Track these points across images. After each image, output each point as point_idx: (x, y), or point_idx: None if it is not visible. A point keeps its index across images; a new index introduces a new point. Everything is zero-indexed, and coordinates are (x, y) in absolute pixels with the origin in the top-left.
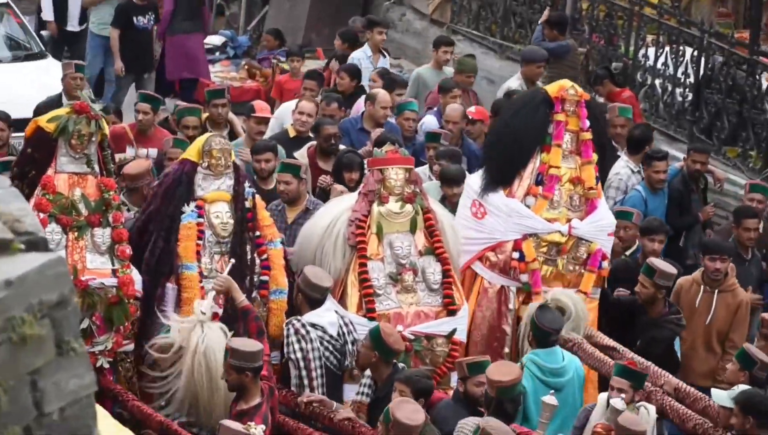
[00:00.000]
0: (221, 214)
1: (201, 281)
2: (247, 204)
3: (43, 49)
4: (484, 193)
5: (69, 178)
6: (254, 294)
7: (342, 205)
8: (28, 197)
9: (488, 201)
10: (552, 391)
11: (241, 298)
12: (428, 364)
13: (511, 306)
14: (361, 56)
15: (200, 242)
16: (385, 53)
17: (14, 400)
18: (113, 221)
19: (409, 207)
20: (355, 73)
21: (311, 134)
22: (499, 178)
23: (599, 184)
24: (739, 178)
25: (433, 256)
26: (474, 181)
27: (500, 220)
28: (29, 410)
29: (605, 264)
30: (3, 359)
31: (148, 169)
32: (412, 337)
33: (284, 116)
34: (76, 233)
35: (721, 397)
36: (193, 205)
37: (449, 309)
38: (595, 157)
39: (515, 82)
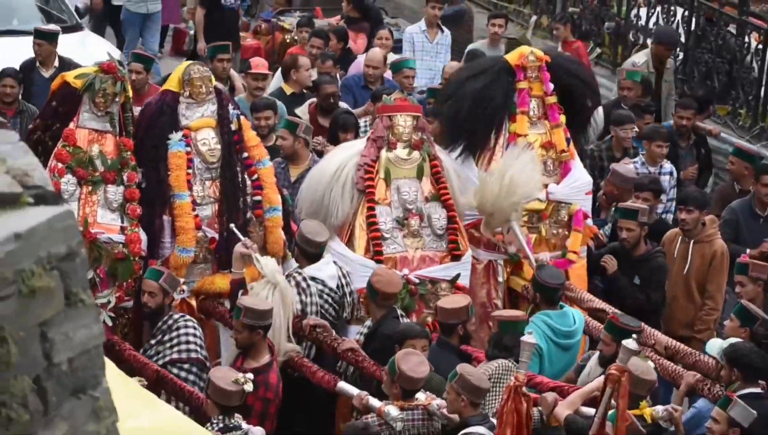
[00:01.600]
0: (208, 140)
1: (194, 209)
2: (233, 126)
3: (79, 21)
4: (458, 160)
5: (89, 134)
6: (249, 214)
7: (350, 150)
8: (51, 149)
9: (464, 175)
10: (530, 331)
11: (239, 271)
12: (431, 308)
13: (500, 279)
14: (415, 30)
15: (190, 171)
16: (443, 27)
17: (24, 351)
18: (127, 180)
19: (416, 153)
20: (342, 35)
21: (306, 91)
22: (467, 149)
23: (570, 146)
24: (729, 136)
25: (439, 202)
26: (454, 155)
27: None
28: (39, 361)
29: (589, 222)
30: (13, 311)
31: None
32: (417, 281)
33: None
34: (90, 187)
35: (714, 347)
36: (179, 134)
37: (454, 254)
38: (563, 119)
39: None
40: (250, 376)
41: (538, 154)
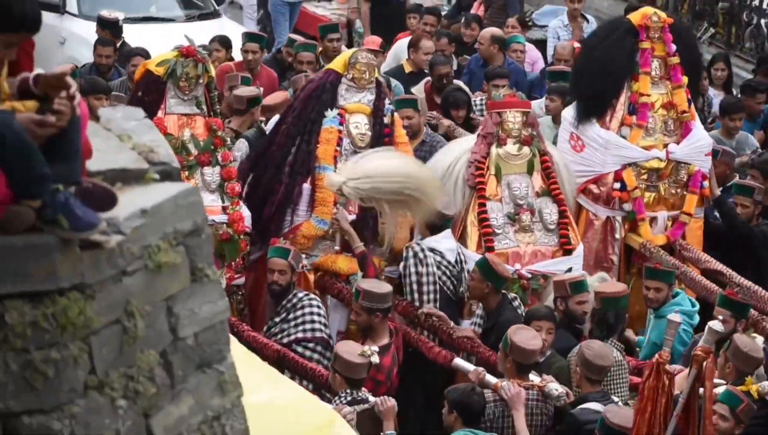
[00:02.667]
0: (360, 124)
1: None
2: (386, 120)
3: (217, 8)
4: (579, 126)
5: (178, 119)
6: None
7: (461, 147)
8: (145, 105)
9: (585, 134)
10: (677, 308)
11: (357, 243)
12: (542, 302)
13: (617, 235)
14: (558, 25)
15: (338, 148)
16: (588, 18)
17: (151, 326)
18: (222, 160)
19: (526, 149)
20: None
21: (426, 69)
22: (592, 111)
23: (692, 107)
24: None
25: (550, 197)
26: (569, 113)
27: (598, 153)
28: (165, 335)
29: (706, 184)
30: (140, 285)
31: (287, 100)
32: (530, 276)
33: (400, 52)
34: (186, 172)
35: None
36: (335, 111)
37: (565, 249)
38: (685, 80)
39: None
40: (375, 348)
41: (660, 114)
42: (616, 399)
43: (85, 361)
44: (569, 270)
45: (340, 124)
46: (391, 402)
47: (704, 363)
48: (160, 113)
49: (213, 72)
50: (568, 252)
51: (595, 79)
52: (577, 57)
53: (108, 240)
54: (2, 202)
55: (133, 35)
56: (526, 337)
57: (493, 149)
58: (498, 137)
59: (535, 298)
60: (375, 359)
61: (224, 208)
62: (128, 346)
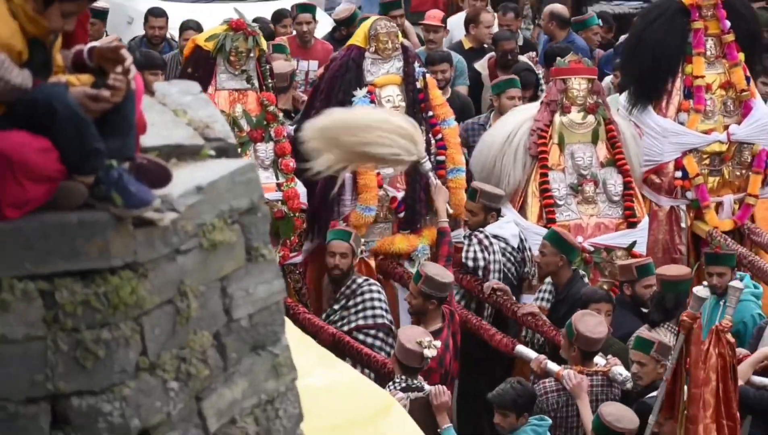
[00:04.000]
0: (393, 97)
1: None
2: (418, 84)
3: None
4: (634, 113)
5: (230, 94)
6: (431, 173)
7: (523, 115)
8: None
9: (642, 122)
10: (739, 275)
11: (443, 217)
12: (607, 277)
13: (683, 225)
14: None
15: None
16: None
17: (204, 306)
18: (275, 135)
19: (591, 117)
20: None
21: (487, 45)
22: (644, 96)
23: (751, 85)
24: None
25: (615, 167)
26: (623, 98)
27: (657, 142)
28: (219, 316)
29: None
30: (193, 265)
31: (290, 72)
32: (592, 249)
33: (457, 27)
34: (239, 149)
35: None
36: (364, 90)
37: (630, 221)
38: (741, 57)
39: None
40: (438, 343)
41: (718, 95)
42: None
43: (136, 342)
44: (634, 244)
45: (371, 102)
46: (445, 397)
47: (691, 328)
48: (210, 89)
49: (264, 45)
50: (632, 224)
51: (646, 64)
52: (626, 40)
53: (162, 218)
54: (55, 177)
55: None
56: (592, 325)
57: (557, 117)
58: (562, 105)
59: (598, 272)
60: (429, 353)
61: (279, 186)
62: (181, 327)
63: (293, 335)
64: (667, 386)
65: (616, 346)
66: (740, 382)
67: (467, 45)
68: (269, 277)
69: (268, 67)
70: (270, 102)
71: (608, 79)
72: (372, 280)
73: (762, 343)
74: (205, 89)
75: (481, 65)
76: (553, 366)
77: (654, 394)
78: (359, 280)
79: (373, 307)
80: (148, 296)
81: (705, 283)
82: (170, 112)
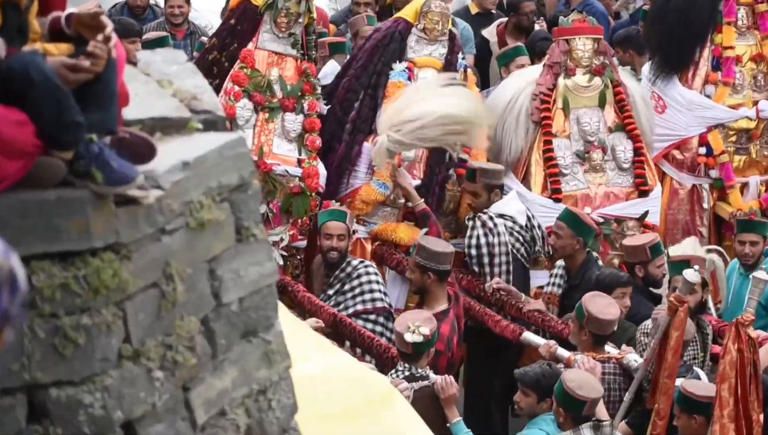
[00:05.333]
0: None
1: None
2: (458, 76)
3: None
4: (658, 84)
5: (269, 56)
6: (451, 171)
7: (525, 78)
8: (226, 70)
9: (666, 94)
10: (764, 266)
11: (417, 201)
12: (618, 250)
13: (705, 205)
14: None
15: None
16: None
17: (192, 289)
18: (308, 109)
19: (597, 80)
20: None
21: (495, 11)
22: (670, 66)
23: None
24: None
25: (624, 132)
26: (648, 70)
27: (681, 115)
28: (207, 300)
29: None
30: (180, 245)
31: None
32: (601, 220)
33: None
34: (267, 114)
35: None
36: (403, 65)
37: (641, 190)
38: None
39: None
40: (425, 330)
41: (748, 68)
42: (700, 372)
43: (119, 328)
44: (646, 214)
45: (409, 78)
46: (453, 389)
47: (677, 311)
48: (250, 45)
49: (315, 13)
50: (644, 193)
51: (673, 31)
52: (652, 6)
53: (146, 195)
54: (31, 152)
55: None
56: (603, 306)
57: (561, 80)
58: (566, 67)
59: (608, 244)
60: (410, 337)
61: (299, 161)
62: (166, 312)
63: (287, 319)
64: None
65: (631, 330)
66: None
67: (474, 10)
68: (261, 259)
69: (314, 37)
70: (311, 73)
71: None
72: (368, 262)
73: None
74: (245, 44)
75: (490, 32)
76: (563, 352)
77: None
78: (354, 262)
79: (372, 291)
80: (131, 279)
81: (696, 266)
82: (154, 82)
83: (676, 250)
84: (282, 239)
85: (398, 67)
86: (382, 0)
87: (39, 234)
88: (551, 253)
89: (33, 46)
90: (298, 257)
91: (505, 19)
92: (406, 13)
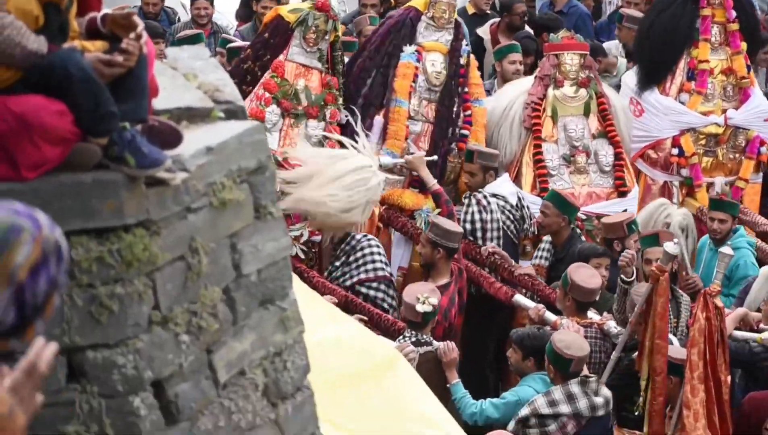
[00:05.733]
0: (436, 63)
1: (408, 119)
2: (462, 60)
3: None
4: (639, 92)
5: (296, 68)
6: (453, 145)
7: (518, 89)
8: (259, 78)
9: (644, 99)
10: (729, 243)
11: (431, 181)
12: (598, 243)
13: (675, 200)
14: None
15: (413, 84)
16: None
17: (215, 262)
18: (330, 117)
19: (583, 91)
20: None
21: (489, 11)
22: (653, 77)
23: (751, 73)
24: None
25: (606, 139)
26: (630, 78)
27: (657, 119)
28: (229, 271)
29: (764, 149)
30: (204, 223)
31: None
32: (584, 217)
33: None
34: (293, 120)
35: None
36: (413, 48)
37: (620, 190)
38: (744, 46)
39: None
40: (435, 300)
41: (719, 80)
42: (672, 338)
43: (149, 297)
44: (624, 211)
45: (417, 60)
46: (455, 353)
47: (659, 280)
48: (281, 57)
49: (341, 32)
50: (623, 194)
51: (657, 47)
52: (640, 25)
53: (173, 177)
54: (70, 139)
55: None
56: (586, 276)
57: (550, 91)
58: (555, 79)
59: (590, 239)
60: (420, 307)
61: None
62: (192, 283)
63: (301, 291)
64: (640, 338)
65: (611, 301)
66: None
67: (470, 11)
68: (277, 234)
69: (339, 53)
70: (334, 85)
71: (614, 43)
72: (371, 236)
73: (748, 298)
74: (277, 56)
75: (484, 31)
76: (550, 315)
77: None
78: (358, 237)
79: (374, 261)
80: (160, 253)
81: (675, 239)
82: (181, 76)
83: (642, 214)
84: (302, 235)
85: (408, 50)
86: (387, 3)
87: (77, 212)
88: (537, 231)
89: (72, 44)
90: (314, 251)
91: (498, 19)
92: (417, 2)
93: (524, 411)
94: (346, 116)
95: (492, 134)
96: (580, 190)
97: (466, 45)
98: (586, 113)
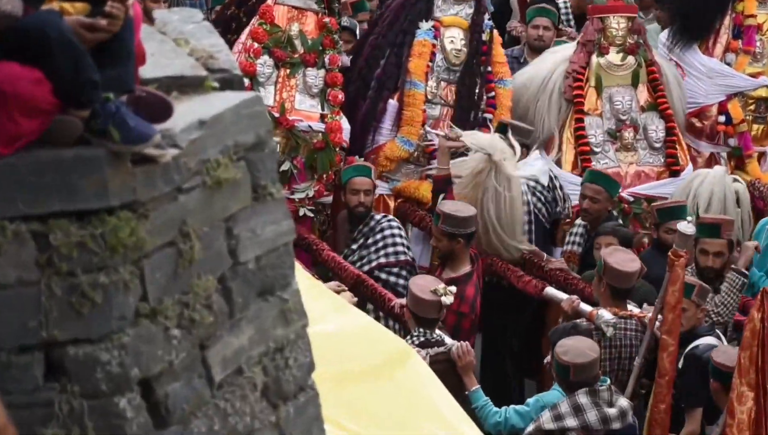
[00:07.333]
0: (456, 39)
1: (424, 103)
2: (484, 36)
3: None
4: (677, 51)
5: (288, 11)
6: (475, 130)
7: (559, 56)
8: (245, 25)
9: (685, 61)
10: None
11: (444, 165)
12: (648, 229)
13: None
14: None
15: (430, 64)
16: None
17: (208, 248)
18: (329, 63)
19: (631, 59)
20: None
21: None
22: (691, 33)
23: None
24: None
25: (657, 111)
26: (666, 36)
27: (700, 83)
28: (224, 258)
29: None
30: (197, 204)
31: None
32: (632, 199)
33: None
34: (288, 70)
35: None
36: (430, 24)
37: (672, 169)
38: None
39: None
40: (453, 289)
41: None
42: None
43: (136, 287)
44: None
45: (435, 37)
46: (471, 356)
47: (673, 265)
48: (269, 0)
49: None
50: (675, 173)
51: (697, 0)
52: None
53: (163, 154)
54: (48, 111)
55: None
56: (623, 259)
57: (594, 58)
58: (599, 45)
59: (638, 223)
60: (447, 300)
61: (323, 117)
62: (183, 271)
63: (304, 279)
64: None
65: (644, 287)
66: None
67: None
68: (278, 217)
69: None
70: (332, 27)
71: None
72: (390, 216)
73: None
74: (263, 0)
75: None
76: (585, 306)
77: (699, 342)
78: (377, 217)
79: (395, 244)
80: (148, 238)
81: (689, 218)
82: (171, 41)
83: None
84: (308, 195)
85: (425, 26)
86: None
87: (56, 192)
88: (576, 215)
89: (50, 5)
90: (325, 213)
91: None
92: None
93: (530, 428)
94: (350, 58)
95: (528, 107)
96: (627, 168)
97: (488, 19)
98: (635, 83)
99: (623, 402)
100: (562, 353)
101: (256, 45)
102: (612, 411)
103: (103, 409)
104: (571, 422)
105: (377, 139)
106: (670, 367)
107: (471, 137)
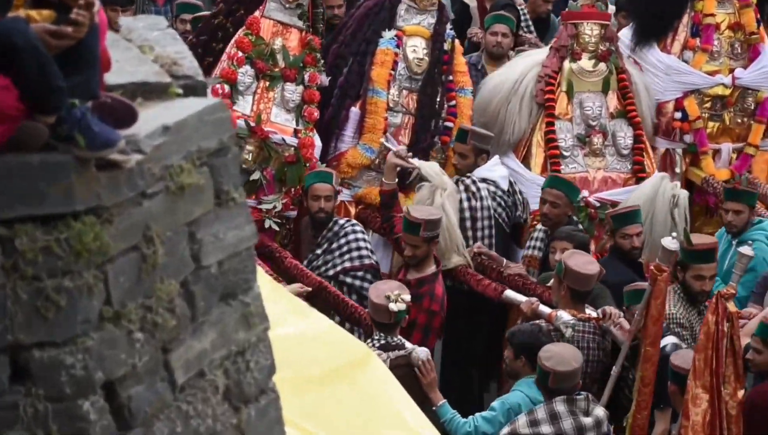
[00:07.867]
0: (418, 48)
1: (386, 111)
2: (446, 46)
3: None
4: (637, 50)
5: (273, 25)
6: (435, 139)
7: (531, 60)
8: (231, 35)
9: (643, 58)
10: (750, 241)
11: (390, 180)
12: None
13: (677, 170)
14: None
15: (392, 72)
16: None
17: (171, 252)
18: (308, 80)
19: (602, 65)
20: None
21: None
22: (651, 32)
23: (761, 28)
24: None
25: (626, 119)
26: (627, 35)
27: (658, 79)
28: (187, 263)
29: None
30: (160, 209)
31: None
32: (598, 204)
33: None
34: (268, 82)
35: None
36: (392, 33)
37: (639, 176)
38: None
39: None
40: (407, 297)
41: (725, 36)
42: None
43: (100, 291)
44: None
45: (397, 46)
46: (433, 373)
47: (656, 281)
48: (257, 13)
49: None
50: (641, 180)
51: (654, 1)
52: None
53: (127, 159)
54: (15, 117)
55: None
56: (583, 262)
57: (566, 64)
58: (572, 51)
59: (602, 229)
60: (395, 307)
61: (296, 132)
62: (147, 275)
63: (265, 283)
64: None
65: (596, 288)
66: (745, 341)
67: None
68: (240, 223)
69: (321, 10)
70: (315, 45)
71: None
72: (354, 221)
73: None
74: (252, 12)
75: None
76: (545, 308)
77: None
78: (341, 222)
79: (359, 248)
80: (112, 242)
81: (674, 234)
82: (136, 48)
83: (644, 191)
84: (275, 207)
85: (387, 35)
86: None
87: (22, 197)
88: (527, 220)
89: (17, 12)
90: (288, 227)
91: None
92: None
93: (505, 431)
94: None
95: (499, 110)
96: (595, 174)
97: (450, 29)
98: (605, 90)
99: (599, 411)
100: (546, 359)
101: (240, 54)
102: (587, 420)
103: (67, 412)
104: (546, 429)
105: (339, 146)
106: (652, 377)
107: (424, 165)
